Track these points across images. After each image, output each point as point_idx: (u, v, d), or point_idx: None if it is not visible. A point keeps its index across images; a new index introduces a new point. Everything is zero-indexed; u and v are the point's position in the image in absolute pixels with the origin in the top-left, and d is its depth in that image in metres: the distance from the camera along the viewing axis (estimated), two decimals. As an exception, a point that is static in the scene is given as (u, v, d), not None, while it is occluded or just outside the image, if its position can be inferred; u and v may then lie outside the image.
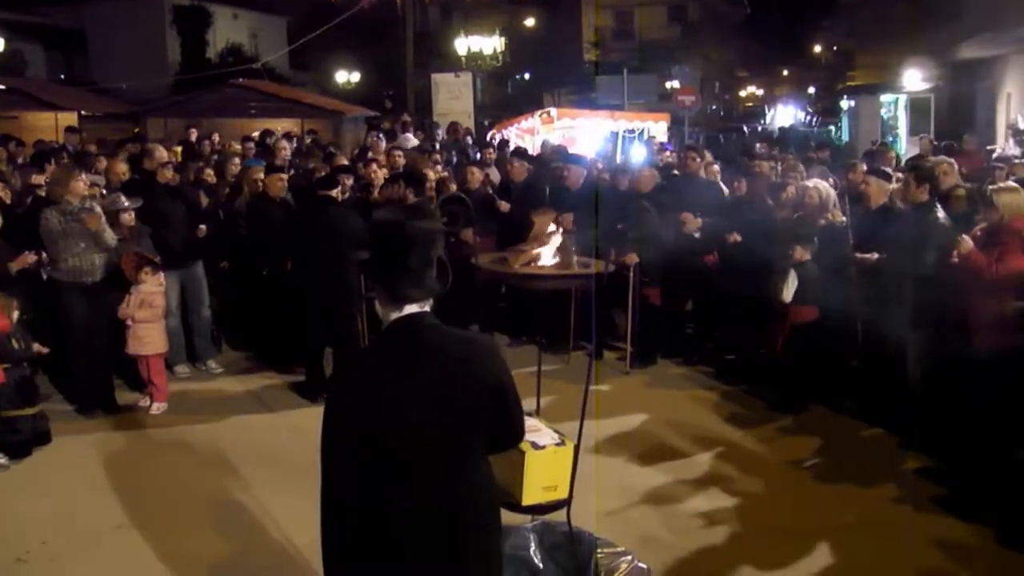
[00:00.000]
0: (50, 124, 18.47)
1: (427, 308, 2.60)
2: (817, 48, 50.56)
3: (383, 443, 2.48)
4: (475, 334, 2.68)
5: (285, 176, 8.19)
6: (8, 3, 29.41)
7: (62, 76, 32.22)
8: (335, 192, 7.31)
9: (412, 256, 2.55)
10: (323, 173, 7.75)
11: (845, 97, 30.50)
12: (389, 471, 2.49)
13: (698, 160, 8.92)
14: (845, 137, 25.43)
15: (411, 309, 2.56)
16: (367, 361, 2.70)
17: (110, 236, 6.84)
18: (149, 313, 7.02)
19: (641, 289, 7.89)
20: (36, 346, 6.40)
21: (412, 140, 13.70)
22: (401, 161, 10.15)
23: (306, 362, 7.46)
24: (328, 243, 6.92)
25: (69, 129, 13.66)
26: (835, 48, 45.55)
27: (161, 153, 8.14)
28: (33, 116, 19.11)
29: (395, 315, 2.56)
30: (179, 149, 12.62)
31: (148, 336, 7.04)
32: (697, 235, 8.05)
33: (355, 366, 2.73)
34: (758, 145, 14.37)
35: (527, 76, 40.31)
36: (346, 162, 9.52)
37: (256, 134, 14.19)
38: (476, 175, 9.11)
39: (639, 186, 8.32)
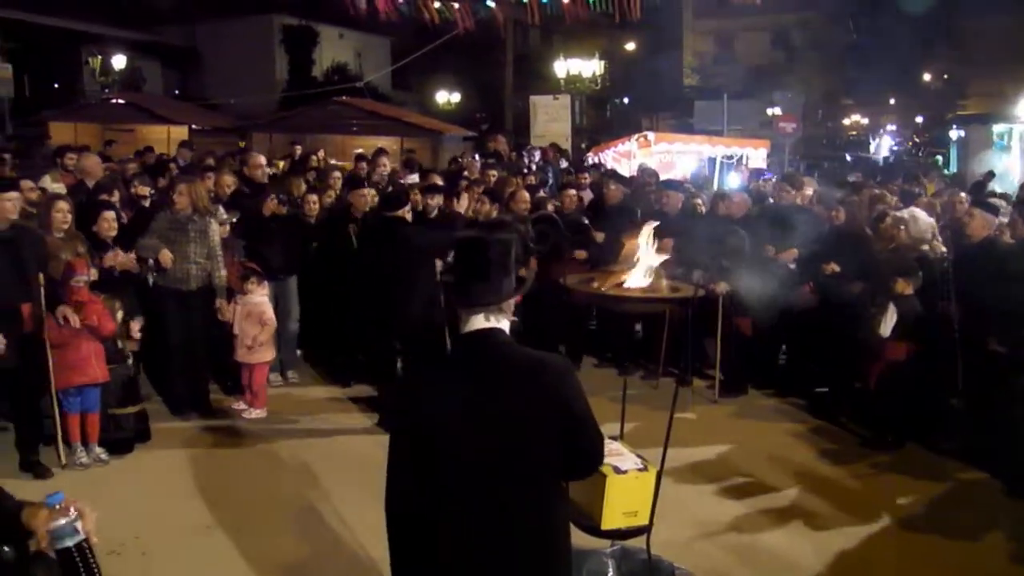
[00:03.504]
0: (163, 137, 19.29)
1: (503, 325, 2.59)
2: (927, 76, 49.09)
3: (445, 455, 2.48)
4: (548, 355, 2.62)
5: (367, 192, 8.26)
6: (130, 23, 31.00)
7: (176, 91, 33.72)
8: (402, 212, 7.21)
9: (489, 263, 2.57)
10: (390, 193, 7.81)
11: (955, 127, 29.51)
12: (450, 485, 2.48)
13: (792, 192, 8.68)
14: (953, 168, 24.61)
15: (482, 323, 2.56)
16: (437, 371, 2.70)
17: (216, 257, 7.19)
18: (260, 323, 7.26)
19: (732, 318, 7.76)
20: (134, 327, 6.65)
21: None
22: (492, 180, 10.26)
23: (380, 393, 7.37)
24: (400, 262, 6.93)
25: (183, 144, 14.19)
26: (946, 76, 44.13)
27: (256, 158, 8.41)
28: (148, 129, 19.99)
29: (469, 328, 2.57)
30: (282, 163, 13.00)
31: (255, 345, 7.27)
32: (792, 266, 7.87)
33: (425, 375, 2.74)
34: (852, 177, 13.97)
35: (626, 100, 40.25)
36: (440, 181, 9.62)
37: (359, 150, 14.54)
38: (572, 198, 9.11)
39: (731, 212, 8.21)
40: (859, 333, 6.88)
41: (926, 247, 7.19)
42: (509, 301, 2.63)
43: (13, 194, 5.93)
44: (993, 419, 6.21)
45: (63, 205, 6.50)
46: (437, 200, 8.17)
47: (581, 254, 8.34)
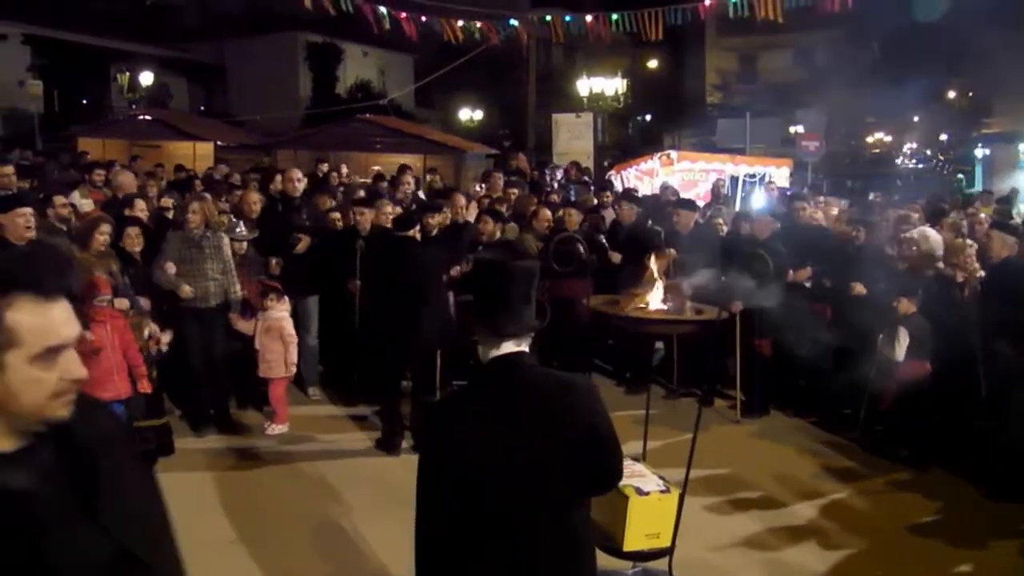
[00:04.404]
0: (188, 153, 19.46)
1: (525, 348, 2.60)
2: (951, 94, 48.85)
3: (477, 482, 2.49)
4: (573, 376, 2.66)
5: (366, 211, 8.16)
6: (156, 40, 31.42)
7: (202, 108, 34.09)
8: (413, 232, 7.11)
9: (512, 293, 2.58)
10: (399, 214, 7.70)
11: (980, 145, 29.33)
12: (481, 511, 2.49)
13: (806, 209, 8.62)
14: (978, 186, 24.43)
15: (510, 347, 2.56)
16: (465, 398, 2.71)
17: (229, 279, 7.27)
18: (280, 339, 7.33)
19: (752, 338, 7.73)
20: (163, 338, 6.70)
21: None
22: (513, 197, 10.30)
23: (382, 411, 7.24)
24: (409, 280, 6.88)
25: (219, 160, 14.31)
26: (970, 94, 43.90)
27: (292, 172, 8.54)
28: (174, 145, 20.17)
29: (494, 353, 2.57)
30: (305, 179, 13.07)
31: (276, 360, 7.33)
32: (807, 284, 7.80)
33: (454, 403, 2.76)
34: (872, 195, 13.94)
35: (648, 117, 40.30)
36: (463, 199, 9.65)
37: (374, 169, 14.60)
38: (573, 217, 8.92)
39: (755, 233, 8.20)
40: (872, 356, 6.94)
41: (941, 265, 7.20)
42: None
43: (24, 210, 5.82)
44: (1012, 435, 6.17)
45: (106, 228, 6.61)
46: (438, 219, 8.10)
47: (616, 257, 8.32)
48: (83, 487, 1.73)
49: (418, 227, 7.27)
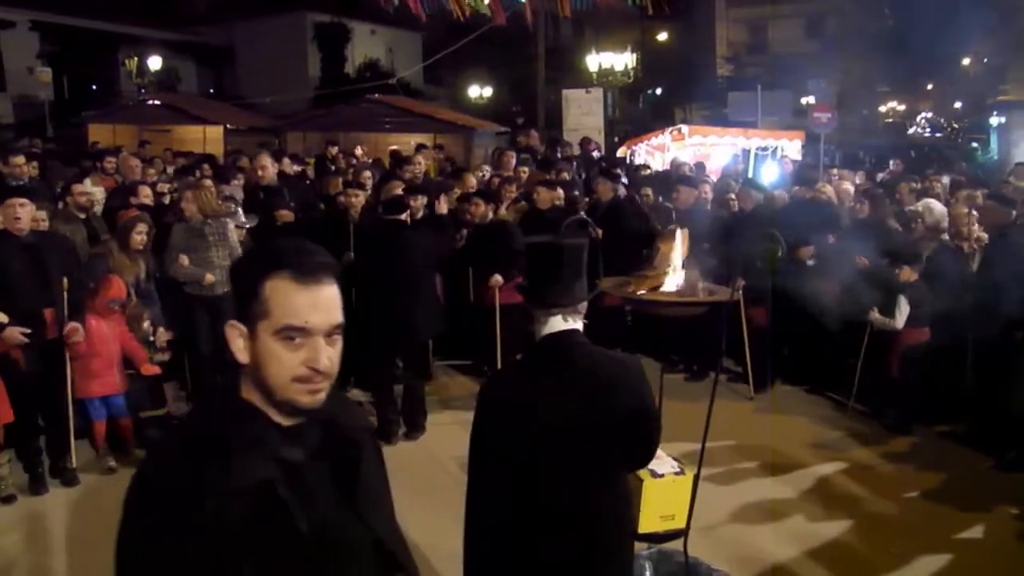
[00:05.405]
0: (198, 137, 19.48)
1: (577, 325, 2.68)
2: (966, 61, 48.22)
3: (530, 456, 2.56)
4: (624, 355, 2.77)
5: (360, 193, 8.09)
6: (164, 23, 31.39)
7: (211, 90, 34.08)
8: (404, 216, 7.01)
9: (563, 269, 2.67)
10: (390, 196, 7.56)
11: (995, 112, 28.99)
12: (534, 484, 2.57)
13: (807, 191, 8.53)
14: (994, 155, 24.19)
15: (562, 325, 2.65)
16: (520, 374, 2.79)
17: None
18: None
19: (746, 310, 7.73)
20: (161, 337, 6.71)
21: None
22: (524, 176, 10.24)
23: (375, 400, 7.12)
24: (398, 265, 6.80)
25: (229, 143, 14.32)
26: (985, 60, 43.35)
27: (261, 159, 8.52)
28: (184, 129, 20.17)
29: (547, 331, 2.65)
30: (312, 160, 13.09)
31: None
32: (811, 263, 7.71)
33: (508, 380, 2.84)
34: (892, 163, 13.82)
35: (658, 91, 39.98)
36: (474, 180, 9.59)
37: (392, 148, 14.54)
38: (543, 194, 8.68)
39: (742, 205, 8.18)
40: (874, 326, 7.00)
41: (945, 237, 7.20)
42: (583, 303, 2.75)
43: (14, 200, 5.65)
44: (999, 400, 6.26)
45: (143, 227, 6.66)
46: (421, 201, 8.00)
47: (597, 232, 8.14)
48: (345, 475, 1.80)
49: (408, 211, 7.15)
